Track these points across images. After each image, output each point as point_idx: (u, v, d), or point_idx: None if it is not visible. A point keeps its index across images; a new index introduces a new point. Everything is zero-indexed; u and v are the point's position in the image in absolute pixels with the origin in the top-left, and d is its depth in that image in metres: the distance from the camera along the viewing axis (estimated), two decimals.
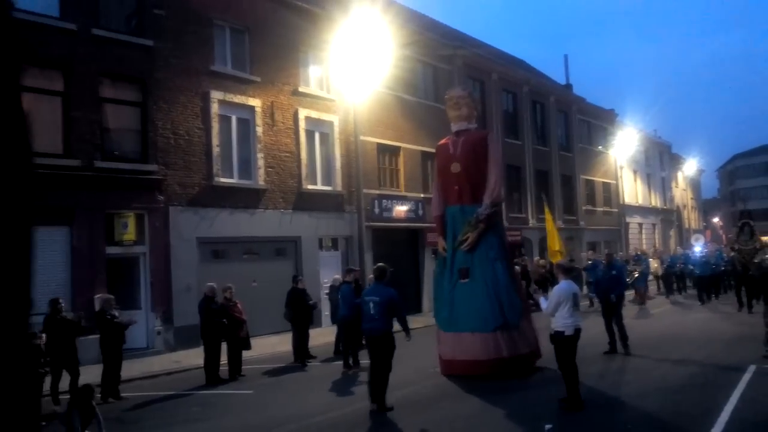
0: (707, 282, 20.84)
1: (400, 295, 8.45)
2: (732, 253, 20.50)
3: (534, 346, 10.48)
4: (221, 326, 11.20)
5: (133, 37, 14.79)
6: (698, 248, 25.53)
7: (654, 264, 25.48)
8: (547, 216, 19.75)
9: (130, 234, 14.51)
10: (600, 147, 37.42)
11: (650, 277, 24.16)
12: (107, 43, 14.21)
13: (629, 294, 17.99)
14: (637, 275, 20.89)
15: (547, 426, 6.97)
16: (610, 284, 12.22)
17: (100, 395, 9.79)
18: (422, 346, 11.15)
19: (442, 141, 11.82)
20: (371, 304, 8.17)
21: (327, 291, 15.24)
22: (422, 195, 22.43)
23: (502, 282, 10.42)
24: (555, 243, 21.15)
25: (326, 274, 17.61)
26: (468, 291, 10.42)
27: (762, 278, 11.20)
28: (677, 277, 23.80)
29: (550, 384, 8.98)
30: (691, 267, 22.30)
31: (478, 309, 10.17)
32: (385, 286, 8.43)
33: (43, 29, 13.22)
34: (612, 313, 11.84)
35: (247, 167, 17.12)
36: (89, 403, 7.11)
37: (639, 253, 26.50)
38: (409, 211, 21.79)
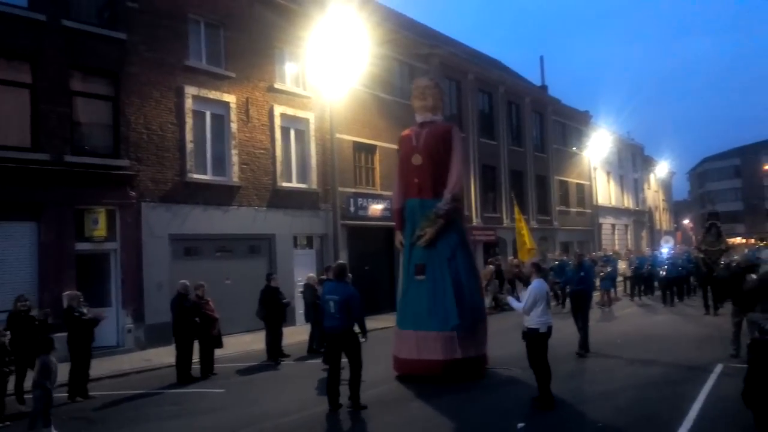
0: (673, 284, 20.43)
1: (360, 295, 8.30)
2: (698, 255, 20.17)
3: (484, 350, 10.22)
4: (194, 324, 11.06)
5: (105, 30, 14.51)
6: (665, 250, 25.12)
7: (622, 265, 25.29)
8: (518, 215, 19.75)
9: (100, 230, 14.24)
10: (574, 148, 37.84)
11: (619, 279, 23.89)
12: (78, 35, 13.92)
13: (595, 295, 17.34)
14: (603, 275, 20.30)
15: (520, 425, 7.00)
16: (578, 285, 12.01)
17: (67, 395, 9.63)
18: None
19: (405, 132, 11.45)
20: (331, 303, 8.09)
21: (301, 289, 15.14)
22: None
23: (460, 280, 10.07)
24: (527, 241, 21.28)
25: (300, 273, 17.48)
26: (423, 288, 10.10)
27: (732, 279, 11.28)
28: (644, 279, 23.29)
29: (518, 384, 9.04)
30: (659, 269, 21.80)
31: (433, 307, 9.88)
32: (345, 285, 8.37)
33: (11, 19, 12.93)
34: (580, 312, 11.80)
35: (221, 164, 16.93)
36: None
37: (608, 254, 26.38)
38: (384, 209, 21.74)
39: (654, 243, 45.69)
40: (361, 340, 8.32)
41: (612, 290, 21.33)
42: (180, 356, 10.96)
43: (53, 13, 13.51)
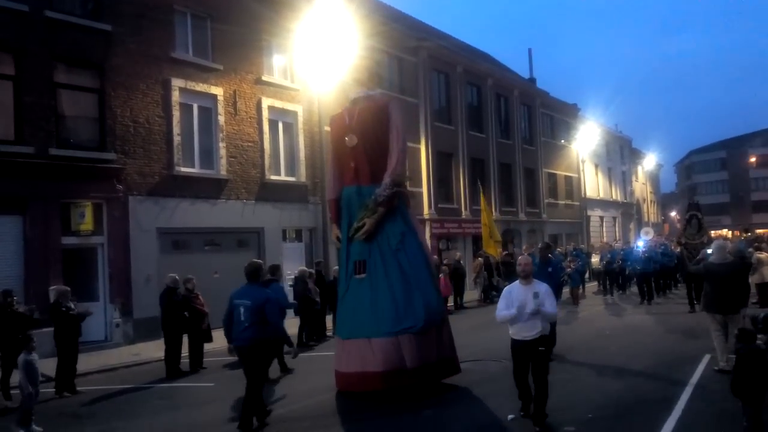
0: (649, 279, 18.71)
1: (276, 298, 7.29)
2: (678, 248, 18.82)
3: (447, 354, 8.82)
4: (183, 318, 10.99)
5: (90, 21, 14.33)
6: (641, 243, 23.12)
7: (595, 259, 23.98)
8: (483, 206, 19.47)
9: (87, 224, 14.11)
10: (562, 141, 37.96)
11: (587, 275, 22.75)
12: (62, 27, 13.73)
13: (563, 293, 16.04)
14: (569, 271, 18.58)
15: (510, 416, 7.01)
16: (545, 282, 11.08)
17: (54, 390, 9.54)
18: None
19: (338, 111, 10.17)
20: (241, 309, 6.92)
21: (291, 283, 15.07)
22: None
23: (407, 277, 8.68)
24: (494, 233, 21.11)
25: (289, 266, 17.42)
26: (364, 289, 8.70)
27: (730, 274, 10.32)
28: (616, 275, 21.52)
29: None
30: (632, 263, 20.00)
31: (374, 310, 8.46)
32: (259, 288, 7.17)
33: None
34: None
35: (208, 157, 16.81)
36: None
37: (577, 247, 25.16)
38: None
39: (627, 235, 45.70)
40: (291, 356, 7.25)
41: (580, 287, 20.27)
42: (169, 350, 10.89)
43: (36, 4, 13.32)
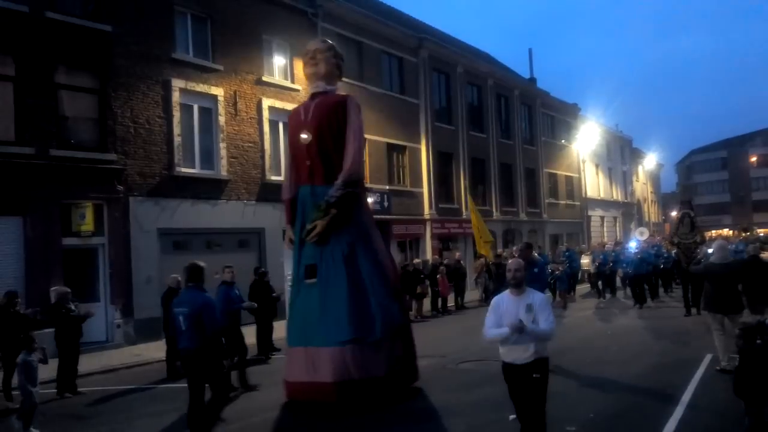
0: (642, 282, 17.85)
1: (213, 304, 6.65)
2: (672, 248, 18.13)
3: (402, 365, 8.27)
4: None
5: (90, 22, 14.32)
6: (633, 243, 22.16)
7: (585, 261, 23.19)
8: (471, 205, 19.11)
9: (88, 225, 14.11)
10: (563, 141, 37.95)
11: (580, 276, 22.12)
12: (62, 28, 13.72)
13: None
14: (557, 274, 18.10)
15: (511, 417, 6.99)
16: (529, 285, 10.21)
17: (56, 391, 9.54)
18: None
19: (296, 106, 9.72)
20: (181, 318, 6.38)
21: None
22: (388, 187, 22.41)
23: (360, 283, 8.26)
24: (484, 234, 20.46)
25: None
26: (314, 294, 8.29)
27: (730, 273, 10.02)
28: (608, 277, 20.64)
29: None
30: (624, 265, 19.26)
31: (324, 317, 8.05)
32: (199, 292, 6.54)
33: None
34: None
35: (209, 157, 16.81)
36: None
37: (569, 248, 24.07)
38: (374, 202, 21.69)
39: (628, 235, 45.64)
40: (224, 367, 6.72)
41: (569, 290, 19.48)
42: (170, 351, 10.88)
43: (36, 5, 13.31)
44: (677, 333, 12.65)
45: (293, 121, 9.26)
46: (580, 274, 23.33)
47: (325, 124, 8.70)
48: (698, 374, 8.66)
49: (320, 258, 8.41)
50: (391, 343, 8.21)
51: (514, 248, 20.37)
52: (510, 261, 5.62)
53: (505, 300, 5.36)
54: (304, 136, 8.74)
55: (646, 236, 26.68)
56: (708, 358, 9.59)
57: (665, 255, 19.77)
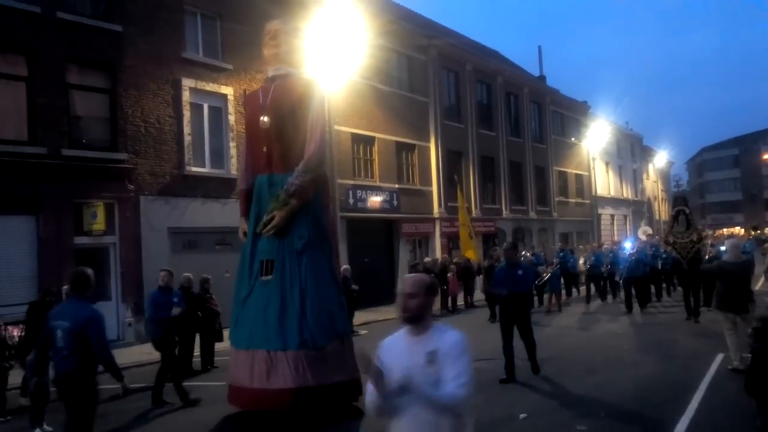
0: (638, 285, 16.40)
1: (101, 318, 5.46)
2: (668, 248, 16.69)
3: (351, 374, 7.51)
4: (196, 317, 11.05)
5: (101, 22, 14.41)
6: (628, 244, 20.76)
7: (580, 262, 21.66)
8: (460, 203, 18.18)
9: (99, 224, 14.21)
10: (573, 138, 37.80)
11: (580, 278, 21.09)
12: (73, 28, 13.82)
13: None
14: (547, 276, 17.20)
15: (522, 415, 6.99)
16: (515, 288, 8.86)
17: None
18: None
19: (254, 90, 8.78)
20: (59, 332, 5.28)
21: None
22: (397, 185, 22.40)
23: (310, 283, 7.56)
24: (472, 235, 18.68)
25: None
26: (270, 292, 7.58)
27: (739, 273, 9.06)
28: (604, 280, 19.33)
29: (517, 375, 9.00)
30: (621, 267, 17.62)
31: (279, 318, 7.39)
32: (85, 303, 5.47)
33: (6, 12, 12.85)
34: (519, 325, 9.00)
35: (219, 156, 16.87)
36: None
37: (564, 248, 22.40)
38: (383, 201, 21.73)
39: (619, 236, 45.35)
40: (120, 392, 5.80)
41: (562, 292, 18.68)
42: (181, 349, 10.93)
43: (48, 6, 13.42)
44: (690, 333, 12.57)
45: (250, 105, 8.60)
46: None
47: (285, 109, 7.95)
48: (710, 374, 8.61)
49: (277, 253, 7.67)
50: (339, 350, 7.60)
51: (499, 250, 18.58)
52: (405, 278, 3.19)
53: (396, 344, 3.10)
54: (263, 119, 7.97)
55: (647, 235, 24.22)
56: (720, 357, 9.53)
57: (664, 255, 18.45)
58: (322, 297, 7.61)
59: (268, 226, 7.65)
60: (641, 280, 16.52)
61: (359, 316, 16.33)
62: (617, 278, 18.54)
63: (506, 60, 38.03)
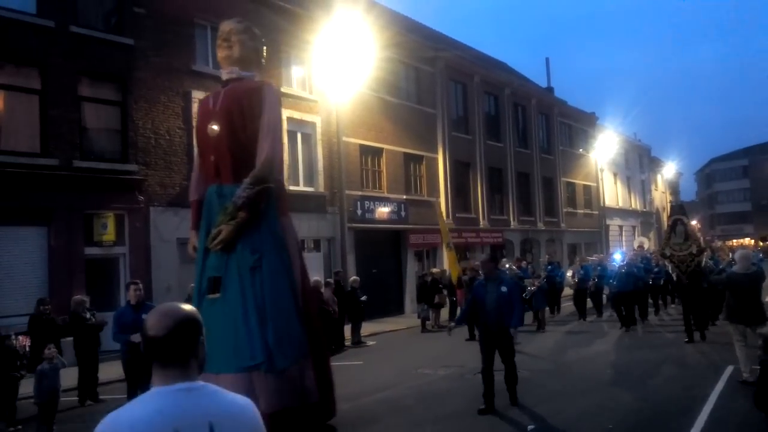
0: (629, 300, 15.11)
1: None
2: (663, 261, 15.62)
3: (314, 397, 6.96)
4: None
5: (113, 36, 14.61)
6: (618, 256, 19.45)
7: (568, 275, 20.46)
8: (439, 212, 17.94)
9: (109, 234, 14.33)
10: (581, 150, 37.77)
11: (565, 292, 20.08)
12: (86, 41, 14.02)
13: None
14: (532, 289, 16.08)
15: (530, 427, 6.98)
16: (498, 308, 7.83)
17: (78, 399, 9.68)
18: (405, 345, 11.10)
19: (206, 95, 8.55)
20: None
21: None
22: (405, 196, 22.46)
23: (267, 301, 6.91)
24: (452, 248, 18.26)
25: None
26: (217, 312, 6.89)
27: (751, 284, 8.90)
28: (592, 295, 18.06)
29: (529, 383, 8.97)
30: (611, 281, 16.19)
31: (228, 338, 6.74)
32: None
33: (20, 26, 13.05)
34: (500, 351, 7.95)
35: None
36: None
37: (552, 261, 21.01)
38: (391, 212, 21.78)
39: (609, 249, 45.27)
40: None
41: (551, 309, 17.95)
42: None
43: (61, 20, 13.62)
44: (697, 346, 12.50)
45: (201, 111, 7.89)
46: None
47: (236, 114, 7.31)
48: (719, 386, 8.56)
49: (225, 270, 7.09)
50: (300, 372, 6.90)
51: (476, 262, 17.55)
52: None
53: None
54: (213, 127, 7.37)
55: (646, 247, 23.47)
56: (729, 369, 9.48)
57: (656, 269, 17.36)
58: (281, 315, 6.94)
59: (215, 241, 7.06)
60: (631, 295, 15.12)
61: (367, 327, 16.34)
62: (605, 293, 17.63)
63: (514, 71, 38.13)
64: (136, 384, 8.14)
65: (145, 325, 1.86)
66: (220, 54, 7.78)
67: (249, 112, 7.29)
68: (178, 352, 1.84)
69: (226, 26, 7.84)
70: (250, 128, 7.27)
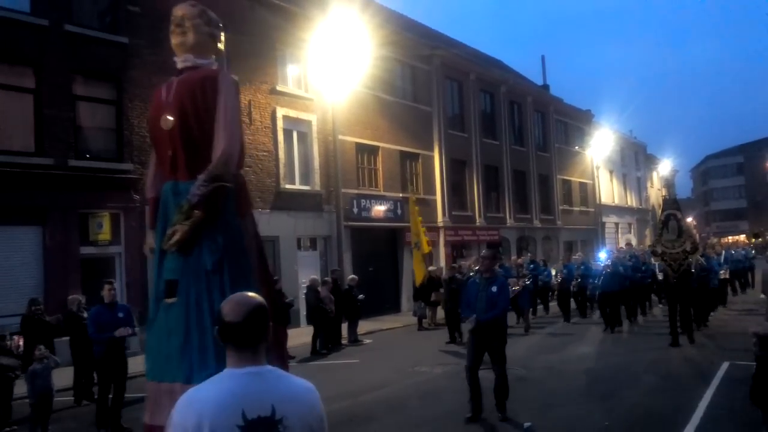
0: (615, 300, 14.54)
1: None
2: (654, 259, 14.86)
3: None
4: None
5: (107, 34, 14.56)
6: (603, 254, 18.70)
7: (553, 274, 19.65)
8: (412, 206, 17.64)
9: (105, 234, 14.29)
10: (577, 147, 37.82)
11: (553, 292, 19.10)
12: (80, 40, 13.97)
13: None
14: (516, 289, 15.15)
15: (526, 424, 6.98)
16: (490, 311, 7.43)
17: (73, 398, 9.64)
18: (402, 343, 11.10)
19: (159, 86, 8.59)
20: None
21: (305, 291, 15.17)
22: (401, 195, 22.44)
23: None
24: (422, 245, 18.16)
25: (305, 274, 17.49)
26: (174, 317, 6.23)
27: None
28: (575, 295, 17.34)
29: (526, 382, 8.97)
30: (593, 280, 15.79)
31: (178, 346, 6.09)
32: None
33: (14, 25, 12.98)
34: (490, 354, 7.56)
35: None
36: None
37: (534, 260, 20.57)
38: (387, 210, 21.78)
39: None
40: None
41: (533, 310, 17.49)
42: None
43: (56, 18, 13.56)
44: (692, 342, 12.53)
45: (154, 102, 7.26)
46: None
47: (189, 105, 6.43)
48: (714, 382, 8.59)
49: (182, 273, 6.32)
50: None
51: (469, 262, 17.59)
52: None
53: None
54: (168, 118, 7.62)
55: (630, 246, 22.76)
56: (725, 365, 9.51)
57: (643, 267, 16.59)
58: None
59: (170, 242, 7.00)
60: (617, 295, 14.59)
61: (364, 325, 16.34)
62: (588, 293, 16.90)
63: (510, 69, 38.14)
64: (109, 382, 8.19)
65: (221, 312, 2.10)
66: (174, 41, 7.15)
67: (203, 103, 6.94)
68: (250, 336, 2.06)
69: (179, 11, 7.22)
70: (204, 119, 6.91)
